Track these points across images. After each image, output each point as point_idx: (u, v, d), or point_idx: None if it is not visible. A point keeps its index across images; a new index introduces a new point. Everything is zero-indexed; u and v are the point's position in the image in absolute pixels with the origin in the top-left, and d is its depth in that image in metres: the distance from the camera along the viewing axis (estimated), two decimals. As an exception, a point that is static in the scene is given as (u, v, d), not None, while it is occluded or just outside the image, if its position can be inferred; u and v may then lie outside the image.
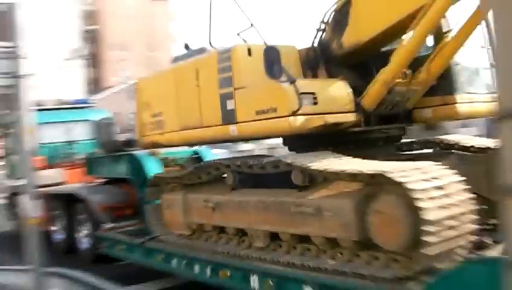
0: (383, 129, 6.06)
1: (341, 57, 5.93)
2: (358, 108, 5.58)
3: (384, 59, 5.41)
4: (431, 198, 4.13)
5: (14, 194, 12.86)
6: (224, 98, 5.90)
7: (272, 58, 5.18)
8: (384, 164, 4.66)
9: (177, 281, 7.60)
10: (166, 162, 8.52)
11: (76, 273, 8.86)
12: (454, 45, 5.43)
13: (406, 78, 5.47)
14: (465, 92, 5.75)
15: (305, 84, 5.27)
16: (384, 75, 5.36)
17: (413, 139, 6.92)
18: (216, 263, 6.16)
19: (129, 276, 8.61)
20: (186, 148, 8.50)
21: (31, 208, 7.27)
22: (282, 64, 5.14)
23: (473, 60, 5.87)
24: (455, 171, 4.51)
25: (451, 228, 4.16)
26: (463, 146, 6.26)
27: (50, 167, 11.92)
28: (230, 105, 5.82)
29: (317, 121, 5.18)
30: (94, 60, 65.33)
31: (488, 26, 5.62)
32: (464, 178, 4.43)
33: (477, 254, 4.42)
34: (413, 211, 4.11)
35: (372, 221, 4.53)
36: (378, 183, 4.50)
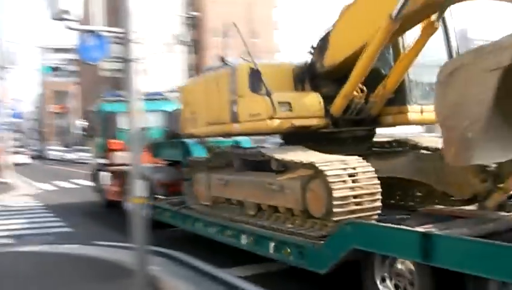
0: (350, 130, 8.00)
1: (323, 74, 7.88)
2: (327, 114, 7.64)
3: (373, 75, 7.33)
4: (342, 181, 6.20)
5: (98, 170, 16.77)
6: (232, 103, 8.17)
7: (253, 78, 7.54)
8: (320, 157, 6.77)
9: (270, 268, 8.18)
10: (211, 149, 10.16)
11: (175, 253, 9.37)
12: (405, 64, 7.23)
13: (362, 93, 7.46)
14: (417, 104, 7.48)
15: (281, 95, 7.41)
16: (344, 90, 7.38)
17: (387, 139, 8.74)
18: (223, 225, 8.39)
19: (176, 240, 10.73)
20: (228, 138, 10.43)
21: (137, 188, 7.44)
22: (264, 79, 7.19)
23: (428, 76, 7.45)
24: (370, 164, 6.57)
25: (357, 204, 6.22)
26: (421, 146, 8.02)
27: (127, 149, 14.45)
28: (235, 108, 8.10)
29: (287, 124, 7.14)
30: (195, 46, 68.65)
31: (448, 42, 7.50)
32: (374, 169, 6.48)
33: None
34: (329, 191, 6.13)
35: (308, 196, 6.73)
36: (315, 170, 6.49)
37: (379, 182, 6.36)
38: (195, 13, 40.40)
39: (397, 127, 8.28)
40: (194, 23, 43.45)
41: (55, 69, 33.63)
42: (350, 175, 6.29)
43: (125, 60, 7.53)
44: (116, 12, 7.45)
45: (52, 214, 16.07)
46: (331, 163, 6.36)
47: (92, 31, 7.56)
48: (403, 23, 6.49)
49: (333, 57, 7.58)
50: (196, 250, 9.41)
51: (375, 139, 8.70)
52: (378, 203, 6.34)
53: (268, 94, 7.31)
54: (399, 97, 7.65)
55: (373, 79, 7.39)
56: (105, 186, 16.05)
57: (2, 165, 31.28)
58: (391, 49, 7.64)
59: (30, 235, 12.68)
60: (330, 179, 6.13)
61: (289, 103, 7.13)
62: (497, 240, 4.70)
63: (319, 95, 7.66)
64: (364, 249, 5.74)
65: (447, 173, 6.75)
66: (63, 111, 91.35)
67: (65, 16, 7.23)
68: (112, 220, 13.92)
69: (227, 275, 7.82)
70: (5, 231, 13.29)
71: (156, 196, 11.48)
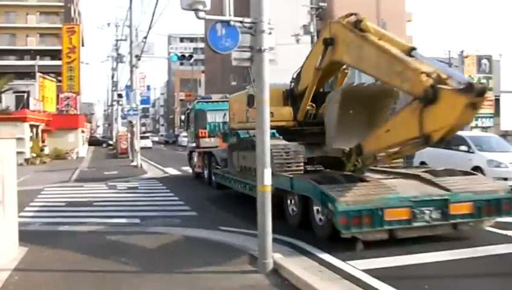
0: (308, 128, 12.30)
1: (298, 95, 12.24)
2: (295, 119, 12.30)
3: (322, 95, 11.79)
4: (280, 155, 11.43)
5: (191, 152, 23.83)
6: (246, 111, 13.28)
7: (249, 99, 11.60)
8: (278, 142, 11.95)
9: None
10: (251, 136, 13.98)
11: (299, 242, 9.38)
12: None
13: (313, 107, 11.92)
14: None
15: None
16: (302, 105, 11.90)
17: None
18: (244, 183, 13.51)
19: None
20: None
21: (265, 177, 7.70)
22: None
23: None
24: (302, 147, 11.89)
25: (288, 166, 11.33)
26: None
27: (210, 136, 20.69)
28: (248, 114, 13.10)
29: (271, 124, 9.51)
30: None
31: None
32: (302, 150, 11.78)
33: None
34: (273, 160, 10.82)
35: None
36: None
37: (302, 156, 11.69)
38: (322, 4, 39.96)
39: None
40: (322, 14, 43.14)
41: (181, 57, 34.54)
42: (286, 152, 11.55)
43: (256, 50, 7.70)
44: (246, 2, 7.61)
45: (176, 198, 16.74)
46: (277, 145, 11.57)
47: (223, 21, 7.74)
48: (323, 72, 10.91)
49: (302, 86, 11.99)
50: (316, 240, 9.35)
51: None
52: (301, 168, 11.50)
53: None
54: None
55: (323, 97, 11.53)
56: (195, 163, 22.73)
57: (133, 149, 32.96)
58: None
59: (155, 216, 13.29)
60: (273, 153, 10.98)
61: (272, 112, 9.10)
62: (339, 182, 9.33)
63: (291, 108, 12.42)
64: (280, 187, 10.68)
65: (336, 151, 10.72)
66: (190, 99, 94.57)
67: (197, 6, 7.49)
68: (234, 206, 14.38)
69: (351, 267, 7.78)
70: (132, 212, 14.01)
71: (218, 167, 18.32)
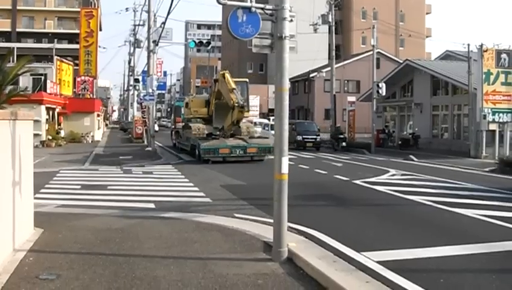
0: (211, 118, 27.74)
1: (209, 102, 28.37)
2: (208, 113, 28.38)
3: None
4: (198, 129, 26.44)
5: (171, 131, 38.95)
6: (187, 109, 30.76)
7: (186, 104, 31.79)
8: (194, 125, 27.53)
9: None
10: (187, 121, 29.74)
11: (313, 231, 9.39)
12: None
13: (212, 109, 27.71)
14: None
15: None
16: (210, 107, 27.85)
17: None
18: (185, 144, 29.34)
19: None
20: None
21: (283, 165, 7.63)
22: (189, 105, 30.66)
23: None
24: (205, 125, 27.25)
25: (199, 135, 26.20)
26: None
27: (181, 122, 34.21)
28: (185, 111, 32.11)
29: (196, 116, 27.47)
30: (340, 27, 67.85)
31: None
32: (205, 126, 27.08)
33: None
34: (192, 132, 26.72)
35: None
36: None
37: (206, 130, 26.15)
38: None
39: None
40: (340, 4, 42.85)
41: (199, 43, 34.66)
42: (199, 128, 26.21)
43: (277, 37, 7.62)
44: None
45: (191, 183, 16.79)
46: (196, 125, 26.88)
47: (244, 7, 7.68)
48: (216, 93, 26.43)
49: (210, 99, 27.77)
50: (333, 230, 9.32)
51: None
52: (204, 136, 25.81)
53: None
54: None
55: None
56: (173, 137, 36.55)
57: (148, 134, 33.09)
58: None
59: (170, 202, 13.30)
60: (193, 129, 26.38)
61: (197, 110, 28.11)
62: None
63: (207, 108, 27.97)
64: (193, 143, 25.90)
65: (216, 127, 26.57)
66: (206, 85, 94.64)
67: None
68: (250, 195, 14.32)
69: (365, 258, 7.73)
70: (147, 197, 14.03)
71: (180, 138, 31.90)
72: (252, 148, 24.45)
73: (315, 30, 37.70)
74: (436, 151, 31.63)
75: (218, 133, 26.04)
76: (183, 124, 30.26)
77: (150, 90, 32.90)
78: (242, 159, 24.12)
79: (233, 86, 24.41)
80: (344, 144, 35.69)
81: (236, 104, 23.89)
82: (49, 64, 45.57)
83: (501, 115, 27.67)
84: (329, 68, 44.20)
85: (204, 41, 35.53)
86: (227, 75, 24.85)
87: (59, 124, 42.25)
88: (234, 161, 23.89)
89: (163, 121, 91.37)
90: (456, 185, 16.80)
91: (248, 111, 27.15)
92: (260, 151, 24.61)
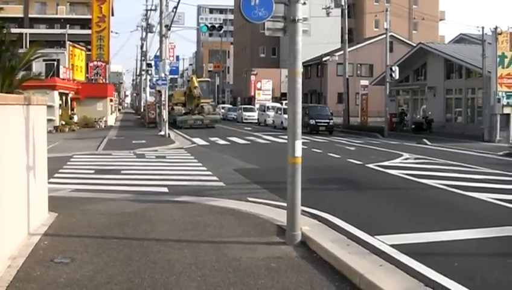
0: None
1: (187, 94, 45.64)
2: (185, 101, 44.95)
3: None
4: (179, 110, 43.20)
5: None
6: (172, 98, 47.23)
7: (171, 96, 45.09)
8: (178, 108, 44.14)
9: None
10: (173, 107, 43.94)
11: (327, 215, 9.33)
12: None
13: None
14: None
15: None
16: (186, 97, 45.26)
17: None
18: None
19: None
20: None
21: (296, 149, 7.59)
22: (174, 96, 49.50)
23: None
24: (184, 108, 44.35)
25: (179, 114, 42.84)
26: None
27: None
28: (174, 98, 47.51)
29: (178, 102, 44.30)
30: (353, 10, 67.28)
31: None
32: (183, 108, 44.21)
33: None
34: (175, 113, 42.70)
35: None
36: None
37: (184, 110, 43.04)
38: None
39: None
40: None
41: (211, 28, 34.67)
42: (179, 110, 42.98)
43: (290, 20, 7.54)
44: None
45: (204, 168, 16.79)
46: (178, 108, 43.36)
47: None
48: (189, 88, 44.50)
49: (187, 91, 45.32)
50: (346, 214, 9.30)
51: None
52: (182, 114, 42.60)
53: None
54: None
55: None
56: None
57: (161, 119, 33.15)
58: None
59: (184, 186, 13.33)
60: (175, 110, 42.79)
61: (178, 98, 45.70)
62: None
63: (185, 97, 45.19)
64: (175, 119, 41.19)
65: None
66: (218, 70, 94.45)
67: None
68: (264, 180, 14.28)
69: (379, 242, 7.71)
70: (160, 181, 14.08)
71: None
72: (206, 121, 41.95)
73: (328, 14, 37.47)
74: (449, 135, 31.41)
75: (189, 112, 42.72)
76: (171, 107, 41.33)
77: (163, 75, 32.90)
78: (200, 126, 41.20)
79: (196, 84, 43.37)
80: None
81: (196, 96, 42.93)
82: (61, 50, 45.70)
83: (512, 99, 27.40)
84: (342, 52, 44.07)
85: (217, 25, 35.64)
86: (194, 78, 46.61)
87: (72, 109, 42.46)
88: (196, 127, 40.72)
89: None
90: (470, 169, 16.69)
91: (203, 98, 44.41)
92: (211, 122, 42.16)
